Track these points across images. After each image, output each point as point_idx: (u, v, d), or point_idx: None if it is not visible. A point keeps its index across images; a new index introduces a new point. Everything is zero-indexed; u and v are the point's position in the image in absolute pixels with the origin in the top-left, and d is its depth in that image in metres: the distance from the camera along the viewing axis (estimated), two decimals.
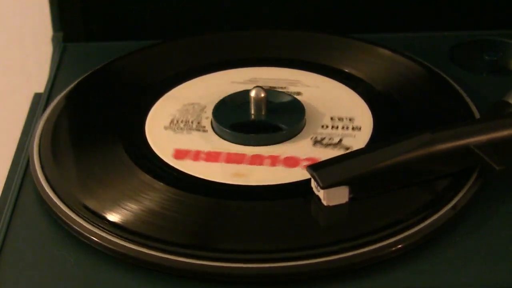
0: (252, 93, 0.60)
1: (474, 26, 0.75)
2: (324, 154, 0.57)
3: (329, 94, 0.64)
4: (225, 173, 0.56)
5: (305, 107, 0.61)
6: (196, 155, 0.57)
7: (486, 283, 0.49)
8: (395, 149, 0.53)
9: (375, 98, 0.63)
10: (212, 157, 0.57)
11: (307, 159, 0.56)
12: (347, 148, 0.58)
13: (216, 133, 0.60)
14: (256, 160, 0.57)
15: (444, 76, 0.66)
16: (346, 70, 0.67)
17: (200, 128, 0.60)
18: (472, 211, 0.54)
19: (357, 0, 0.77)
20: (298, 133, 0.59)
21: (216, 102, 0.62)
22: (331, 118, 0.61)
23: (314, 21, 0.77)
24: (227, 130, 0.59)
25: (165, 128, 0.60)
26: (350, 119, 0.61)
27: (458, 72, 0.68)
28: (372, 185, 0.53)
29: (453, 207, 0.52)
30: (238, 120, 0.60)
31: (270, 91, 0.62)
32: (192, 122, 0.61)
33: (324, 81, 0.66)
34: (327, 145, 0.58)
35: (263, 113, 0.60)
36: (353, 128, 0.60)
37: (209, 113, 0.61)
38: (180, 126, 0.61)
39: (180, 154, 0.58)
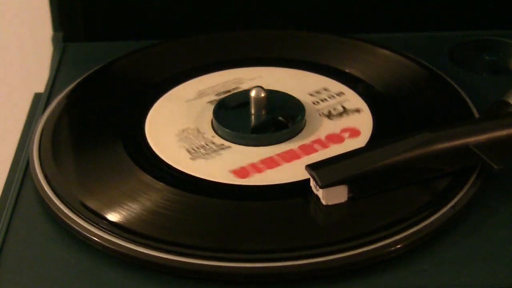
0: (252, 93, 0.60)
1: (474, 26, 0.75)
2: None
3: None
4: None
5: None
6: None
7: (486, 283, 0.49)
8: (394, 148, 0.53)
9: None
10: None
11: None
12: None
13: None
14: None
15: (444, 76, 0.66)
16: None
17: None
18: (472, 211, 0.54)
19: (357, 0, 0.77)
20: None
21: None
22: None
23: (314, 21, 0.77)
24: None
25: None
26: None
27: (458, 72, 0.68)
28: (371, 185, 0.53)
29: (453, 207, 0.52)
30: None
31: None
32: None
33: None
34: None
35: (263, 113, 0.60)
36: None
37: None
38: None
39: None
